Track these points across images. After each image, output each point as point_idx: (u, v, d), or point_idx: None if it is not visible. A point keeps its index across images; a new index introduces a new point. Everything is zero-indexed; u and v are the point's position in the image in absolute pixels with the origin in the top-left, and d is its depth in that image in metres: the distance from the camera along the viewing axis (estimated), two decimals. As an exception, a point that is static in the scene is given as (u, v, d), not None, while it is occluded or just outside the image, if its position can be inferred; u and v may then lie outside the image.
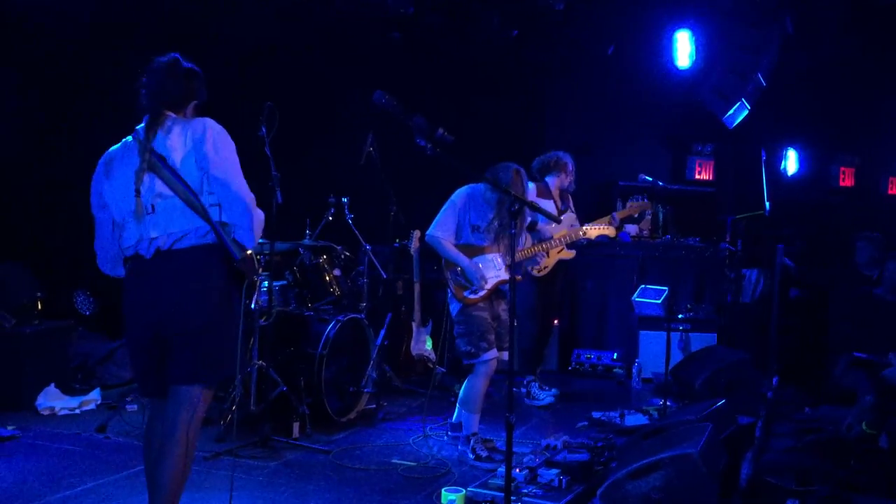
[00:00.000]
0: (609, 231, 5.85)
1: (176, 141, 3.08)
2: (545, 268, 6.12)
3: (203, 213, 3.05)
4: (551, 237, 5.67)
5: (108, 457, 4.71)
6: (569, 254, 6.19)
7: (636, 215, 7.60)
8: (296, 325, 5.50)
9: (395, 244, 6.71)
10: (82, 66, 6.57)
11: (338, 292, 5.80)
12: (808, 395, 6.50)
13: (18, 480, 4.26)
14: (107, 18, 6.45)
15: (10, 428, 5.09)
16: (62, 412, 5.56)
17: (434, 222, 4.84)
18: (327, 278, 5.79)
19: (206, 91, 3.28)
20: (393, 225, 6.41)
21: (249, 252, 3.16)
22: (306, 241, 5.88)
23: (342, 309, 5.92)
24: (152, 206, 3.05)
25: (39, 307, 6.05)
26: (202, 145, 3.07)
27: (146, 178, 3.05)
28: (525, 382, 6.36)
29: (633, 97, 8.42)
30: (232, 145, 3.15)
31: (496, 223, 4.80)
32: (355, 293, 6.21)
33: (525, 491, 4.09)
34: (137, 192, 3.03)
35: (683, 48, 7.72)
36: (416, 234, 6.20)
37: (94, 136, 6.74)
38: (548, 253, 5.99)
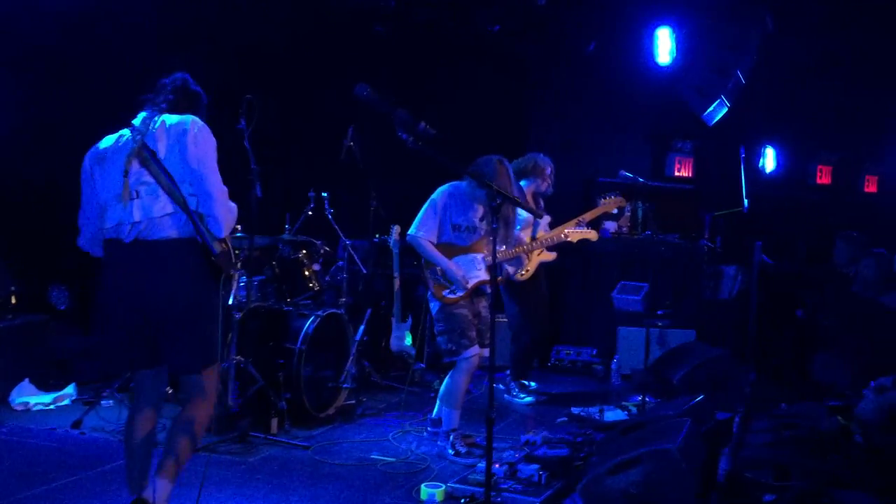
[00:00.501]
0: (591, 235, 5.88)
1: (162, 135, 3.29)
2: (527, 271, 6.06)
3: (183, 206, 3.22)
4: (527, 239, 5.69)
5: (84, 452, 4.65)
6: (550, 256, 6.17)
7: (615, 210, 7.58)
8: (275, 320, 5.46)
9: (375, 239, 6.67)
10: (59, 62, 6.49)
11: (317, 287, 5.77)
12: (785, 391, 6.54)
13: (-9, 477, 4.20)
14: (87, 10, 6.38)
15: (-17, 424, 5.02)
16: (36, 408, 5.50)
17: (415, 222, 4.82)
18: (307, 273, 5.75)
19: (205, 115, 3.49)
20: (373, 220, 6.38)
21: (226, 246, 3.38)
22: (286, 236, 5.84)
23: (321, 304, 5.89)
24: (136, 192, 3.23)
25: (13, 301, 5.96)
26: (184, 137, 3.28)
27: (135, 165, 3.25)
28: (506, 379, 6.36)
29: (614, 94, 8.42)
30: (212, 142, 3.35)
31: (483, 222, 4.81)
32: (335, 288, 6.18)
33: (505, 486, 4.08)
34: (126, 174, 3.22)
35: (664, 45, 7.75)
36: (397, 229, 6.17)
37: (71, 132, 6.71)
38: (529, 256, 5.98)
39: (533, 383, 6.38)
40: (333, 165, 6.03)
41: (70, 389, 5.77)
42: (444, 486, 4.10)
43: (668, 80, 8.09)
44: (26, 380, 5.67)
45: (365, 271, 6.51)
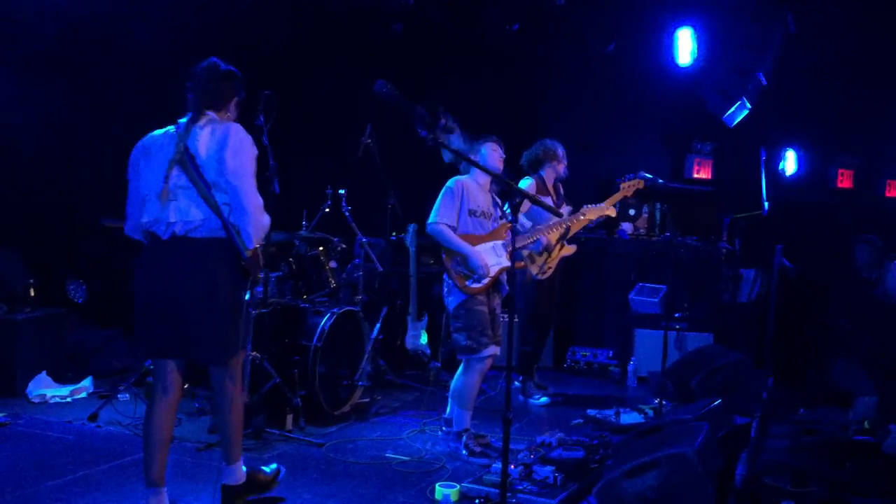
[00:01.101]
0: (610, 211, 5.71)
1: (204, 141, 3.43)
2: (549, 268, 5.95)
3: (216, 210, 3.40)
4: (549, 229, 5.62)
5: (100, 446, 4.67)
6: (570, 249, 6.02)
7: (632, 211, 7.49)
8: (291, 316, 5.46)
9: (392, 237, 6.67)
10: (74, 62, 6.52)
11: (334, 284, 5.76)
12: (803, 396, 6.48)
13: (9, 468, 4.22)
14: (99, 10, 6.40)
15: (1, 415, 5.04)
16: (53, 400, 5.53)
17: (434, 211, 4.78)
18: (323, 270, 5.75)
19: (244, 89, 3.63)
20: (390, 218, 6.37)
21: (256, 250, 3.53)
22: (303, 233, 5.84)
23: (337, 301, 5.89)
24: (174, 194, 3.40)
25: (32, 294, 5.99)
26: (223, 150, 3.40)
27: (175, 168, 3.41)
28: (521, 380, 6.33)
29: (633, 94, 8.37)
30: (251, 153, 3.47)
31: (495, 207, 4.87)
32: (351, 286, 6.17)
33: (520, 487, 4.05)
34: (166, 178, 3.39)
35: (685, 45, 7.66)
36: (414, 227, 6.16)
37: (87, 129, 6.77)
38: (551, 252, 5.91)
39: (546, 398, 6.30)
40: (351, 163, 6.02)
41: (87, 382, 5.80)
42: (458, 486, 4.07)
43: (688, 80, 8.01)
44: (43, 372, 5.71)
45: (381, 269, 6.50)
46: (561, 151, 6.13)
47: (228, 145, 3.41)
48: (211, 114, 3.51)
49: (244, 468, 3.77)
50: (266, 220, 3.54)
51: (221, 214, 3.40)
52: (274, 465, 3.98)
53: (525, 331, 6.28)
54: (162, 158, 3.44)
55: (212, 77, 3.55)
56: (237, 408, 3.68)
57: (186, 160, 3.40)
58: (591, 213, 5.61)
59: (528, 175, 6.12)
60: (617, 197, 6.01)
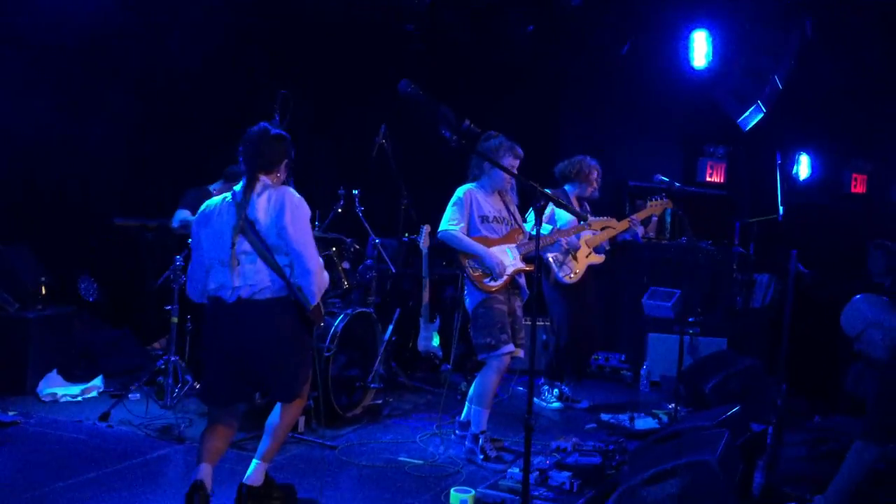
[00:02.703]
0: (612, 223, 5.69)
1: (262, 208, 3.61)
2: (575, 274, 5.90)
3: (279, 272, 3.60)
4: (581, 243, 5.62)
5: (111, 446, 4.64)
6: (598, 258, 5.99)
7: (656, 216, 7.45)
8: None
9: (405, 238, 6.63)
10: (87, 63, 6.51)
11: (346, 285, 5.71)
12: (818, 403, 6.42)
13: (20, 468, 4.20)
14: (111, 12, 6.40)
15: (11, 413, 5.02)
16: (64, 399, 5.50)
17: (444, 219, 4.81)
18: (336, 271, 5.70)
19: (294, 151, 3.78)
20: (403, 219, 6.33)
21: (318, 304, 3.72)
22: (316, 233, 5.77)
23: (350, 302, 5.84)
24: (238, 260, 3.59)
25: (44, 292, 5.97)
26: (282, 218, 3.59)
27: (238, 237, 3.60)
28: (539, 384, 6.26)
29: (647, 97, 8.33)
30: (307, 216, 3.67)
31: (507, 212, 4.87)
32: (363, 287, 6.13)
33: (536, 493, 4.01)
34: (233, 244, 3.57)
35: (700, 48, 7.62)
36: (427, 229, 6.11)
37: (102, 129, 6.75)
38: (577, 258, 5.87)
39: (566, 388, 6.23)
40: (365, 163, 5.99)
41: (98, 381, 5.78)
42: (473, 492, 4.03)
43: (703, 84, 7.97)
44: (54, 371, 5.68)
45: (394, 270, 6.46)
46: (596, 174, 6.06)
47: (286, 212, 3.58)
48: (264, 178, 3.66)
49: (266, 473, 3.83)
50: (326, 276, 3.76)
51: (284, 276, 3.59)
52: (291, 485, 4.00)
53: (558, 333, 6.18)
54: (223, 227, 3.61)
55: (262, 142, 3.69)
56: (293, 419, 3.91)
57: (247, 227, 3.57)
58: (596, 224, 5.57)
59: (554, 185, 6.11)
60: (644, 213, 6.00)
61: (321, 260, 3.71)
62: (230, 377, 3.71)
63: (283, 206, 3.60)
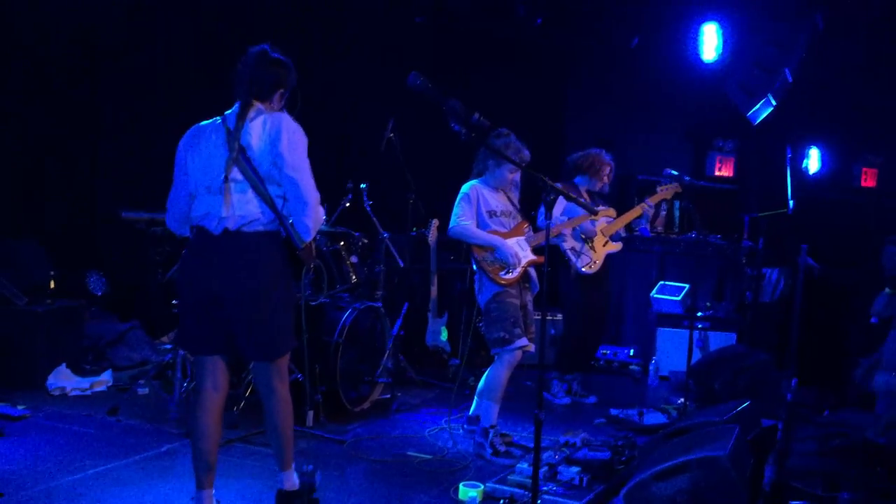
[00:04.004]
0: (610, 213, 5.82)
1: (256, 134, 3.31)
2: (595, 263, 5.89)
3: (270, 204, 3.31)
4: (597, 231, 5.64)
5: (120, 439, 4.64)
6: (615, 246, 5.99)
7: (663, 210, 7.44)
8: (312, 311, 5.42)
9: (413, 233, 6.61)
10: (94, 54, 6.51)
11: (354, 279, 5.71)
12: (828, 397, 6.39)
13: (29, 461, 4.19)
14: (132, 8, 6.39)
15: (20, 407, 5.02)
16: (73, 393, 5.50)
17: (453, 216, 4.81)
18: (344, 265, 5.70)
19: (294, 79, 3.50)
20: (411, 213, 6.31)
21: (311, 241, 3.43)
22: (323, 227, 5.78)
23: (358, 297, 5.83)
24: (230, 189, 3.30)
25: (52, 286, 5.97)
26: (277, 144, 3.30)
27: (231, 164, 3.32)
28: (549, 378, 6.24)
29: (656, 90, 8.29)
30: (304, 143, 3.37)
31: (512, 206, 4.90)
32: (371, 281, 6.12)
33: (545, 488, 4.00)
34: (226, 178, 3.29)
35: (710, 41, 7.57)
36: (435, 223, 6.11)
37: (113, 121, 6.75)
38: (594, 247, 5.85)
39: (575, 383, 6.20)
40: (373, 157, 5.97)
41: (106, 375, 5.78)
42: (482, 486, 4.02)
43: (712, 77, 7.92)
44: (63, 364, 5.68)
45: (402, 265, 6.44)
46: (608, 170, 6.04)
47: (282, 138, 3.30)
48: (259, 105, 3.38)
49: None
50: (322, 212, 3.49)
51: (276, 208, 3.32)
52: (310, 467, 3.90)
53: (570, 324, 6.16)
54: (212, 151, 3.34)
55: (261, 64, 3.41)
56: (288, 409, 3.55)
57: (239, 155, 3.30)
58: (601, 213, 5.64)
59: (567, 176, 6.09)
60: (657, 198, 5.99)
61: (318, 193, 3.38)
62: (210, 320, 3.36)
63: (279, 131, 3.31)
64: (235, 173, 3.30)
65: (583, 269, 5.86)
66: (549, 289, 3.65)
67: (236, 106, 3.39)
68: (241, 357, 3.50)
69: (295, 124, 3.39)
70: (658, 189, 5.93)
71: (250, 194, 3.30)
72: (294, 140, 3.33)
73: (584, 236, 5.85)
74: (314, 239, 3.52)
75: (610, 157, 6.09)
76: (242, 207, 3.30)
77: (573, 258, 5.84)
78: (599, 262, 5.91)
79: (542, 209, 3.66)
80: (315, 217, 3.38)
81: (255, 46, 3.45)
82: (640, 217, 5.98)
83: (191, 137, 3.44)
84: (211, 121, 3.44)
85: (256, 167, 3.30)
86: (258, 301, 3.33)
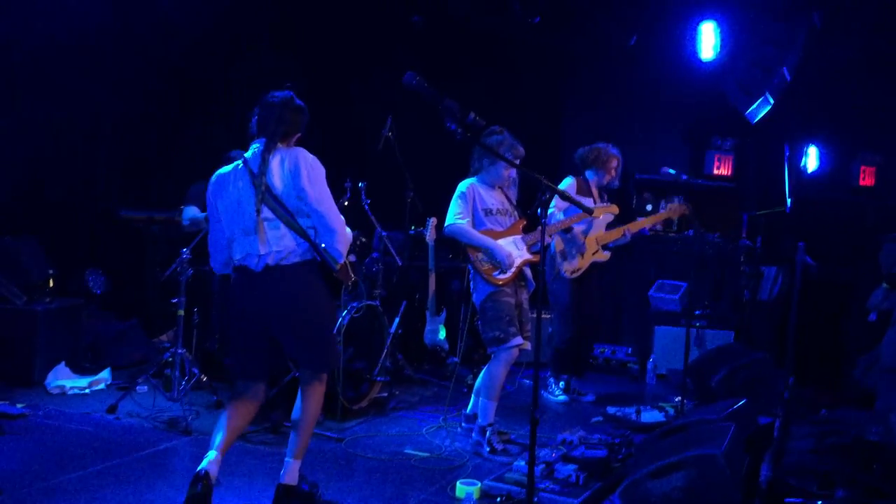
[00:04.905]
0: (613, 209, 5.77)
1: (277, 172, 3.54)
2: (578, 269, 5.90)
3: (303, 235, 3.56)
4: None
5: (119, 438, 4.66)
6: (603, 255, 5.97)
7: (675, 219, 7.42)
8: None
9: (411, 231, 6.62)
10: (94, 58, 6.52)
11: (353, 278, 5.71)
12: (825, 395, 6.41)
13: (28, 460, 4.21)
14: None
15: (19, 406, 5.04)
16: (72, 391, 5.52)
17: (449, 214, 4.82)
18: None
19: (307, 124, 3.74)
20: (409, 211, 6.32)
21: (345, 262, 3.72)
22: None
23: (356, 295, 5.84)
24: (263, 228, 3.53)
25: (51, 285, 5.99)
26: (298, 179, 3.53)
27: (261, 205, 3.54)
28: (545, 376, 6.25)
29: (653, 89, 8.29)
30: (322, 174, 3.60)
31: (509, 204, 4.90)
32: (369, 280, 6.14)
33: (542, 486, 4.01)
34: (258, 212, 3.50)
35: (708, 40, 7.57)
36: (433, 221, 6.11)
37: (112, 120, 6.76)
38: (583, 253, 5.86)
39: (572, 380, 6.20)
40: (371, 155, 5.98)
41: (105, 374, 5.79)
42: (479, 484, 4.04)
43: (710, 75, 7.92)
44: (62, 363, 5.70)
45: (400, 263, 6.46)
46: (615, 163, 6.03)
47: (302, 174, 3.53)
48: (280, 146, 3.61)
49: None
50: (350, 234, 3.72)
51: (309, 238, 3.56)
52: (313, 481, 3.96)
53: (560, 326, 6.18)
54: (240, 196, 3.56)
55: (287, 109, 3.64)
56: (318, 407, 3.82)
57: (265, 194, 3.51)
58: (598, 211, 5.63)
59: (575, 173, 6.09)
60: (661, 217, 6.00)
61: (342, 218, 3.63)
62: (259, 348, 3.68)
63: (297, 167, 3.54)
64: (266, 212, 3.52)
65: (564, 273, 5.87)
66: (544, 287, 3.68)
67: (258, 148, 3.60)
68: (300, 366, 3.83)
69: (312, 157, 3.61)
70: (667, 206, 5.92)
71: (283, 230, 3.54)
72: (313, 173, 3.56)
73: (576, 251, 5.82)
74: (347, 258, 3.79)
75: (617, 151, 6.09)
76: (278, 243, 3.54)
77: (559, 259, 5.84)
78: (582, 269, 5.92)
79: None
80: (344, 241, 3.62)
81: (277, 92, 3.67)
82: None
83: (216, 186, 3.66)
84: (233, 166, 3.65)
85: (284, 202, 3.53)
86: (305, 324, 3.63)
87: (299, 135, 3.71)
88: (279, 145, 3.60)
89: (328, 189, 3.60)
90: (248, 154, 3.63)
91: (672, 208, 5.95)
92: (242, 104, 3.63)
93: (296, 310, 3.60)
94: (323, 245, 3.57)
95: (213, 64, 6.86)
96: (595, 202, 5.94)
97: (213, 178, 3.69)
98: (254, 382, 3.75)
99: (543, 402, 6.09)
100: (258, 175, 3.52)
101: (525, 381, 6.53)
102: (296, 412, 3.80)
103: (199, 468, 3.47)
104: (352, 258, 5.72)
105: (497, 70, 8.15)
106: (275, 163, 3.55)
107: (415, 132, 6.27)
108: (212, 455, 3.51)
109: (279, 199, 3.52)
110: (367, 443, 4.85)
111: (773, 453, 4.68)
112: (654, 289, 7.31)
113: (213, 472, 3.48)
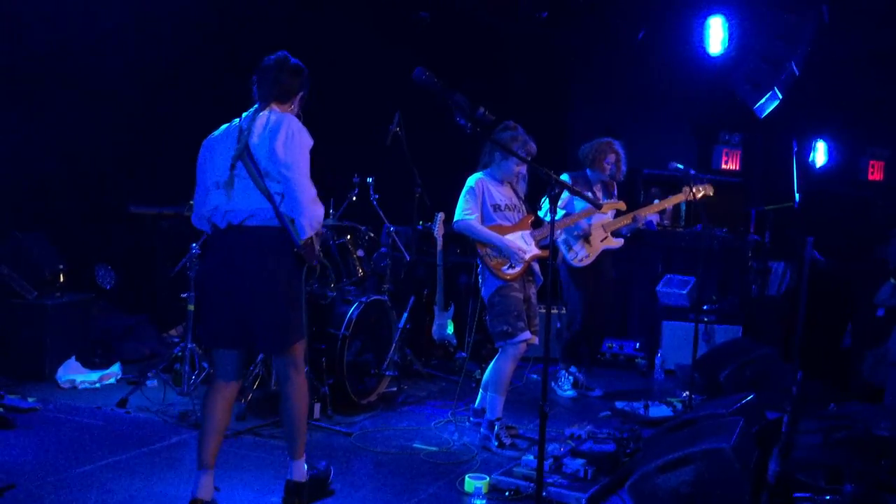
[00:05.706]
0: (620, 205, 5.82)
1: (257, 131, 3.45)
2: (587, 257, 5.90)
3: (269, 199, 3.39)
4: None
5: (129, 432, 4.69)
6: (615, 242, 5.97)
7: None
8: (318, 305, 5.45)
9: (419, 226, 6.64)
10: (97, 55, 6.53)
11: (361, 273, 5.74)
12: (833, 390, 6.40)
13: (39, 453, 4.24)
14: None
15: (31, 400, 5.06)
16: (82, 386, 5.55)
17: (458, 209, 4.81)
18: (351, 258, 5.73)
19: (309, 84, 3.66)
20: (417, 206, 6.33)
21: (310, 238, 3.52)
22: (330, 221, 5.81)
23: (365, 290, 5.87)
24: (233, 183, 3.44)
25: (61, 280, 6.01)
26: (274, 140, 3.40)
27: (238, 160, 3.45)
28: (553, 370, 6.26)
29: (661, 83, 8.29)
30: (304, 143, 3.45)
31: (518, 199, 4.91)
32: (378, 275, 6.15)
33: (550, 480, 4.01)
34: (232, 167, 3.43)
35: (716, 34, 7.58)
36: (441, 216, 6.12)
37: (118, 116, 6.77)
38: (591, 242, 5.87)
39: (580, 375, 6.20)
40: (379, 151, 5.99)
41: (115, 368, 5.82)
42: (488, 478, 4.05)
43: (718, 70, 7.92)
44: (73, 357, 5.73)
45: (408, 258, 6.47)
46: (611, 157, 5.97)
47: (279, 136, 3.40)
48: (275, 107, 3.54)
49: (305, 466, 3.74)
50: (320, 210, 3.51)
51: (273, 202, 3.39)
52: (324, 464, 3.97)
53: (572, 317, 6.16)
54: (224, 150, 3.49)
55: (281, 70, 3.58)
56: (303, 398, 3.65)
57: (245, 151, 3.43)
58: (607, 206, 5.64)
59: (574, 171, 6.10)
60: (677, 199, 5.99)
61: (314, 192, 3.46)
62: (225, 314, 3.49)
63: (278, 128, 3.42)
64: (240, 169, 3.43)
65: (573, 263, 5.88)
66: (553, 282, 3.69)
67: (255, 107, 3.54)
68: (254, 349, 3.63)
69: (298, 124, 3.49)
70: (683, 188, 5.90)
71: (251, 189, 3.41)
72: (292, 139, 3.42)
73: (576, 234, 5.84)
74: (318, 235, 3.62)
75: (618, 145, 6.04)
76: (243, 201, 3.42)
77: (563, 250, 5.85)
78: (592, 257, 5.90)
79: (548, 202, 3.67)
80: (309, 215, 3.44)
81: (273, 54, 3.62)
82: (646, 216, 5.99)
83: (211, 139, 3.59)
84: (228, 124, 3.58)
85: (257, 162, 3.42)
86: (266, 295, 3.43)
87: (302, 93, 3.65)
88: (274, 107, 3.53)
89: (306, 160, 3.45)
90: (245, 114, 3.57)
91: (692, 189, 5.88)
92: (250, 100, 3.62)
93: (249, 275, 3.41)
94: (290, 217, 3.42)
95: (222, 58, 6.87)
96: (596, 197, 5.95)
97: (213, 133, 3.63)
98: (227, 351, 3.55)
99: (551, 397, 6.10)
100: (243, 131, 3.47)
101: (532, 375, 6.55)
102: (281, 410, 3.66)
103: (193, 496, 3.45)
104: (360, 253, 5.75)
105: (504, 65, 8.15)
106: (260, 121, 3.47)
107: (423, 128, 6.27)
108: (202, 480, 3.48)
109: (253, 157, 3.42)
110: (375, 437, 4.87)
111: (782, 448, 4.68)
112: (661, 284, 7.31)
113: (207, 496, 3.46)
